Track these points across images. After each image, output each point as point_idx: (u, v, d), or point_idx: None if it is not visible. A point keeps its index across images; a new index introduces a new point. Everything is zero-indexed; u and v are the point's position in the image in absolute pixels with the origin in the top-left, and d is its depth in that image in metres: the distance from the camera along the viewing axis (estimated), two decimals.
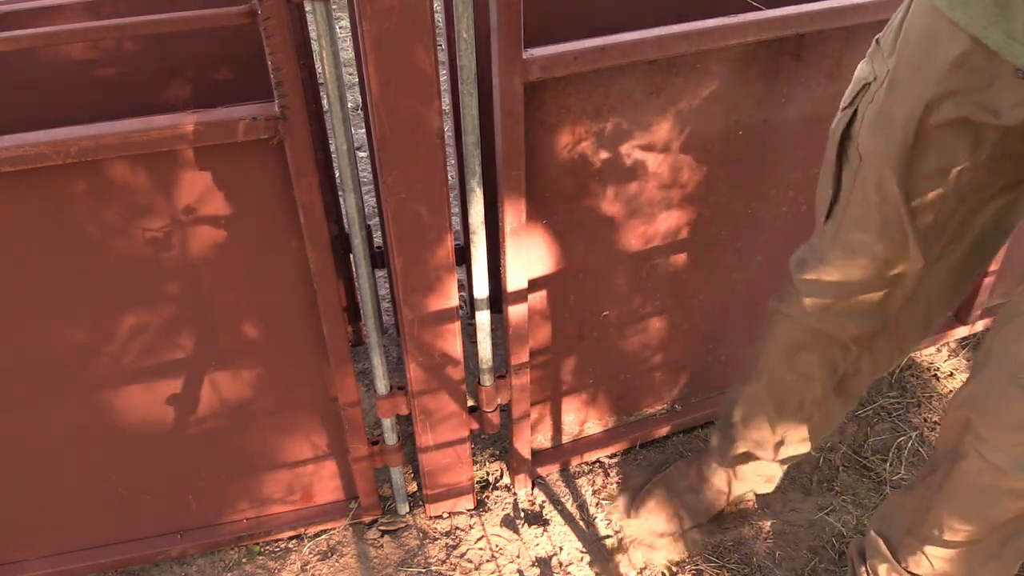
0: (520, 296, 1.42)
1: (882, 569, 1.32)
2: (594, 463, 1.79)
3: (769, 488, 1.62)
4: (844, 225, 1.17)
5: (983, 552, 1.19)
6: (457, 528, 1.67)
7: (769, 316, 1.38)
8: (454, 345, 1.44)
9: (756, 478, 1.56)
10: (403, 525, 1.68)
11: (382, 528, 1.67)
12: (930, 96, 0.98)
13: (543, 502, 1.72)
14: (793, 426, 1.44)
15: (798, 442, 1.46)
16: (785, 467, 1.57)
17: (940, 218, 1.09)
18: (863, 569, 1.36)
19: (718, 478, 1.60)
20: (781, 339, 1.36)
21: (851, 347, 1.29)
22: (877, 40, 1.09)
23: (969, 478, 1.14)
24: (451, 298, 1.38)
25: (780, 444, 1.47)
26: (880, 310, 1.22)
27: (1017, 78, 0.90)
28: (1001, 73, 0.92)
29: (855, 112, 1.10)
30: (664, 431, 1.81)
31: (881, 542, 1.32)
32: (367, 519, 1.68)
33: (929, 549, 1.24)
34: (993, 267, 1.91)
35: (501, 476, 1.76)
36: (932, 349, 2.03)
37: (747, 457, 1.53)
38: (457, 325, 1.42)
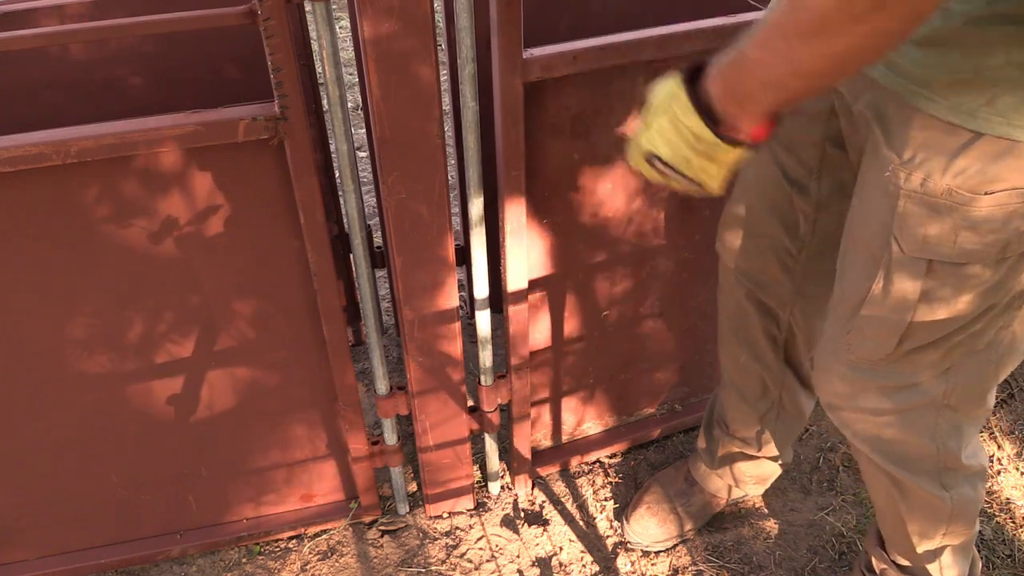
0: (520, 296, 1.42)
1: (873, 560, 1.38)
2: (594, 463, 1.79)
3: (760, 490, 1.62)
4: (744, 165, 1.25)
5: (924, 541, 1.25)
6: (457, 528, 1.67)
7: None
8: (454, 345, 1.44)
9: (747, 479, 1.57)
10: (403, 525, 1.68)
11: (382, 528, 1.67)
12: None
13: (543, 502, 1.72)
14: (766, 415, 1.46)
15: (779, 433, 1.48)
16: (780, 467, 1.57)
17: (806, 161, 1.15)
18: (866, 560, 1.42)
19: (708, 481, 1.60)
20: (724, 321, 1.43)
21: (778, 313, 1.35)
22: None
23: (862, 468, 1.24)
24: (451, 298, 1.38)
25: (762, 436, 1.49)
26: (782, 255, 1.27)
27: None
28: None
29: None
30: (664, 431, 1.81)
31: (875, 534, 1.38)
32: (367, 519, 1.68)
33: (888, 539, 1.32)
34: None
35: (501, 476, 1.76)
36: None
37: (734, 457, 1.54)
38: (457, 325, 1.42)
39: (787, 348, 1.39)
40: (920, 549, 1.26)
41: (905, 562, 1.32)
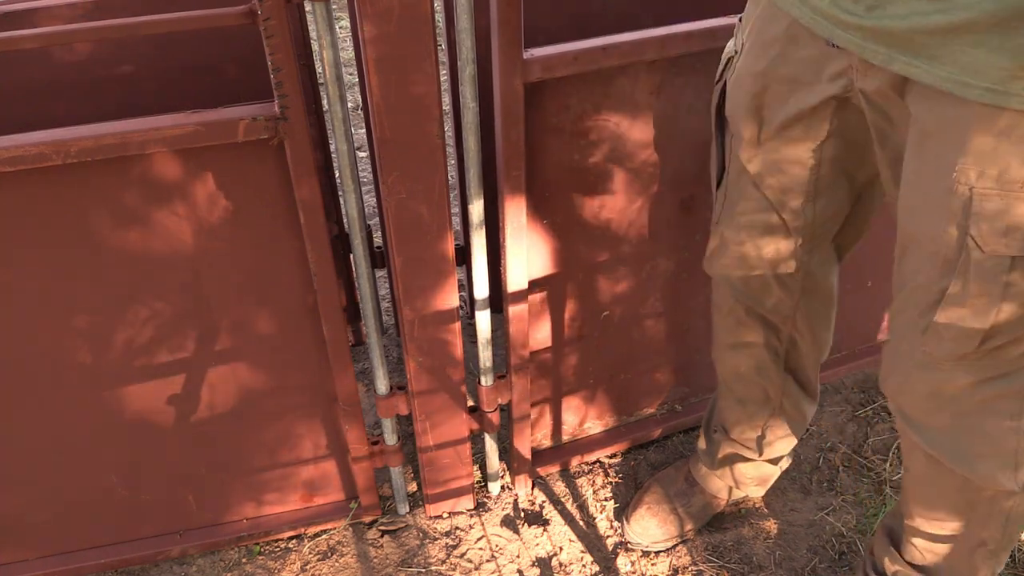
0: (520, 296, 1.42)
1: (886, 562, 1.34)
2: (594, 463, 1.79)
3: (761, 491, 1.62)
4: (730, 192, 1.23)
5: (967, 542, 1.21)
6: (457, 528, 1.67)
7: (711, 307, 1.43)
8: (454, 345, 1.44)
9: (747, 480, 1.56)
10: (403, 525, 1.68)
11: (382, 528, 1.67)
12: (763, 68, 1.07)
13: (543, 502, 1.72)
14: (767, 420, 1.45)
15: (780, 437, 1.48)
16: (780, 468, 1.57)
17: (798, 185, 1.14)
18: (872, 562, 1.39)
19: (708, 482, 1.60)
20: (721, 334, 1.41)
21: (778, 325, 1.33)
22: (740, 18, 1.16)
23: (913, 466, 1.20)
24: (451, 298, 1.38)
25: (763, 440, 1.48)
26: (781, 275, 1.26)
27: (830, 48, 0.97)
28: (819, 45, 0.98)
29: (724, 84, 1.17)
30: (664, 431, 1.81)
31: (885, 536, 1.35)
32: (367, 519, 1.68)
33: (916, 540, 1.27)
34: None
35: (501, 476, 1.76)
36: None
37: (734, 459, 1.53)
38: (457, 325, 1.42)
39: (788, 358, 1.38)
40: (981, 547, 1.21)
41: (927, 562, 1.28)
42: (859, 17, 0.89)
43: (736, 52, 1.14)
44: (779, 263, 1.23)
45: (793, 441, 1.51)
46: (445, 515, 1.69)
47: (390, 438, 1.57)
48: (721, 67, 1.18)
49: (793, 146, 1.10)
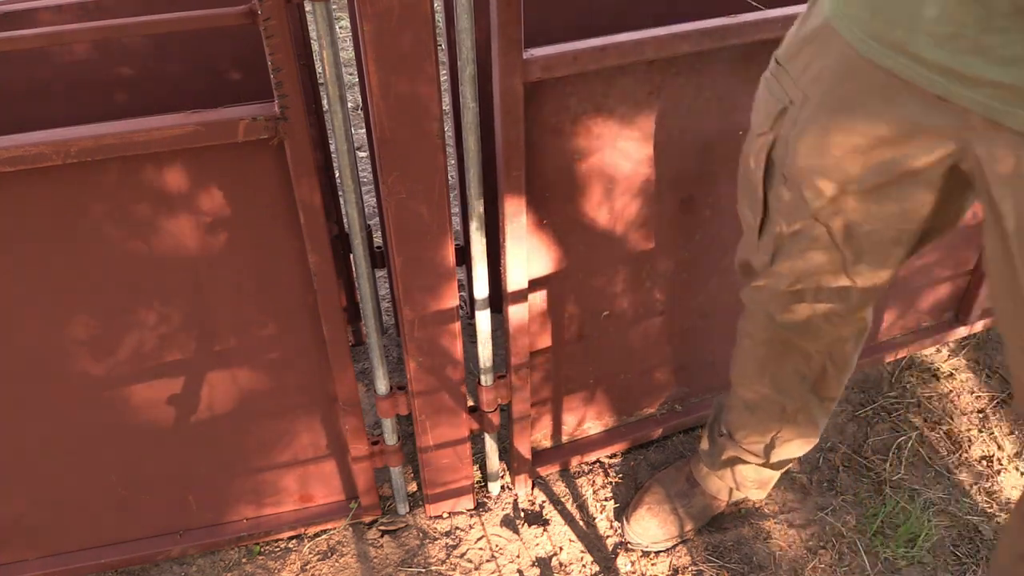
0: (520, 296, 1.42)
1: None
2: (594, 463, 1.79)
3: (762, 494, 1.61)
4: (781, 245, 1.17)
5: None
6: (457, 528, 1.67)
7: (737, 331, 1.40)
8: (454, 345, 1.44)
9: (748, 483, 1.56)
10: (403, 525, 1.68)
11: (382, 528, 1.67)
12: (846, 126, 0.96)
13: (543, 502, 1.72)
14: (778, 431, 1.44)
15: (787, 445, 1.46)
16: (780, 472, 1.57)
17: (874, 236, 1.07)
18: None
19: (708, 483, 1.60)
20: (749, 357, 1.38)
21: (813, 355, 1.31)
22: (777, 60, 1.07)
23: None
24: (451, 298, 1.38)
25: (770, 448, 1.47)
26: (832, 315, 1.23)
27: (938, 103, 0.86)
28: (922, 102, 0.88)
29: (775, 137, 1.08)
30: (664, 431, 1.81)
31: None
32: (367, 519, 1.68)
33: None
34: None
35: (501, 476, 1.76)
36: (932, 349, 2.03)
37: (736, 461, 1.53)
38: (457, 325, 1.42)
39: (816, 382, 1.36)
40: None
41: None
42: (991, 71, 0.76)
43: (791, 103, 1.03)
44: (836, 308, 1.20)
45: (802, 449, 1.49)
46: (445, 515, 1.69)
47: (390, 438, 1.57)
48: (771, 119, 1.08)
49: (884, 208, 1.01)
